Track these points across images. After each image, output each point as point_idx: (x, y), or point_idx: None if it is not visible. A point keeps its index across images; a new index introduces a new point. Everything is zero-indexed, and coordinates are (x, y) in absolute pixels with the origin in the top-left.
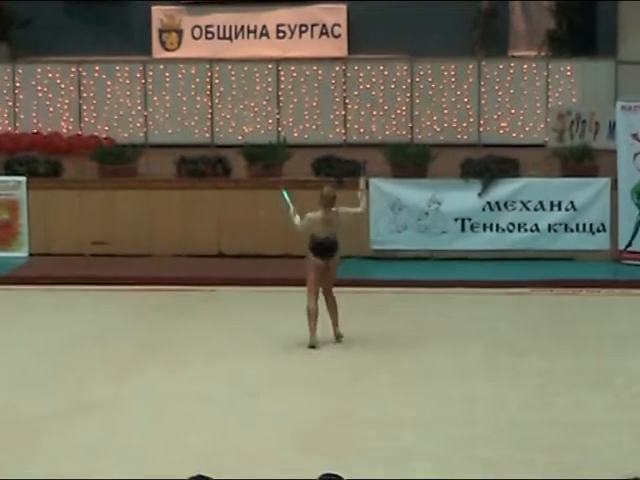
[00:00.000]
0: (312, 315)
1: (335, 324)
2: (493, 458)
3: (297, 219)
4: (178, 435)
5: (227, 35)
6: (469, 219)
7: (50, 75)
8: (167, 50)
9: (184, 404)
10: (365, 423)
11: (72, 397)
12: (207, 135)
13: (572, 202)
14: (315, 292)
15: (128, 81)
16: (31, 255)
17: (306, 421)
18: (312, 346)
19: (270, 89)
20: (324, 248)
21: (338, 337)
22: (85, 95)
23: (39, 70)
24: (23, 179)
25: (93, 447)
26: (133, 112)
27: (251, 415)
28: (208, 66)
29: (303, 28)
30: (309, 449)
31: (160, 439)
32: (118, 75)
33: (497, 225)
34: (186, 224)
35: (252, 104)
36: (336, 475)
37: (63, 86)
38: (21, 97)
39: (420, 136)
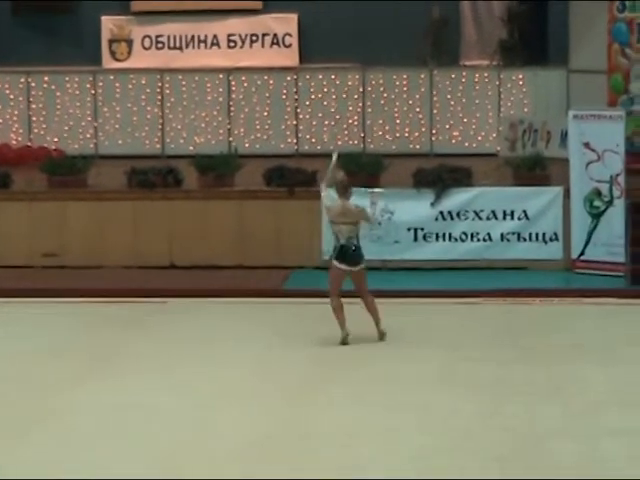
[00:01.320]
0: (336, 311)
1: (376, 323)
2: (449, 468)
3: (325, 191)
4: (129, 447)
5: (177, 45)
6: (422, 229)
7: None
8: (117, 60)
9: (136, 416)
10: (320, 433)
11: (21, 409)
12: (158, 146)
13: (525, 211)
14: (333, 290)
15: (78, 92)
16: None
17: (260, 432)
18: (343, 342)
19: (221, 99)
20: (347, 256)
21: (381, 335)
22: (34, 106)
23: None
24: None
25: (41, 460)
26: (83, 123)
27: (204, 426)
28: (159, 76)
29: (254, 38)
30: (263, 460)
31: (111, 451)
32: (68, 86)
33: (450, 235)
34: (137, 235)
35: (203, 114)
36: None
37: (12, 97)
38: None
39: (372, 146)
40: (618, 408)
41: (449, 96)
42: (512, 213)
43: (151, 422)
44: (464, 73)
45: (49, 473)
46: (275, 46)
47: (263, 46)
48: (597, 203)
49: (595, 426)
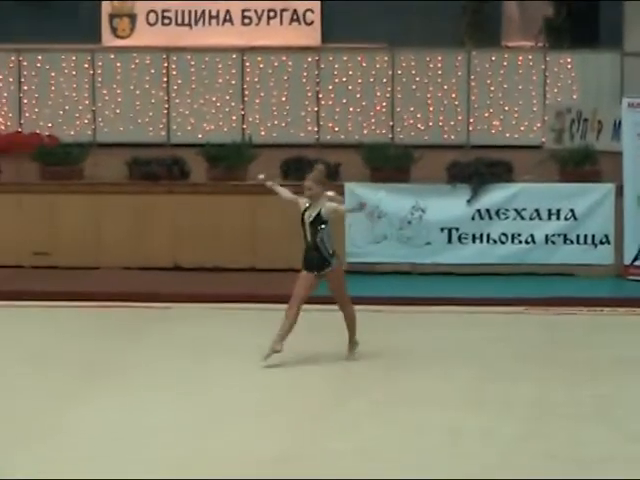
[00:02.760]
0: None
1: (350, 338)
2: None
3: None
4: (128, 471)
5: (186, 21)
6: (456, 229)
7: None
8: (118, 37)
9: (136, 436)
10: (339, 455)
11: (8, 427)
12: (163, 133)
13: (572, 210)
14: (294, 301)
15: (74, 72)
16: None
17: (274, 452)
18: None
19: (234, 82)
20: (304, 260)
21: (350, 352)
22: (26, 88)
23: None
24: None
25: None
26: (80, 107)
27: (213, 446)
28: (164, 56)
29: (271, 14)
30: None
31: (110, 473)
32: (63, 65)
33: (488, 236)
34: (138, 233)
35: (213, 99)
36: None
37: (1, 77)
38: None
39: (402, 136)
40: None
41: (489, 81)
42: (558, 212)
43: (149, 443)
44: (506, 55)
45: None
46: (295, 23)
47: (281, 23)
48: None
49: None
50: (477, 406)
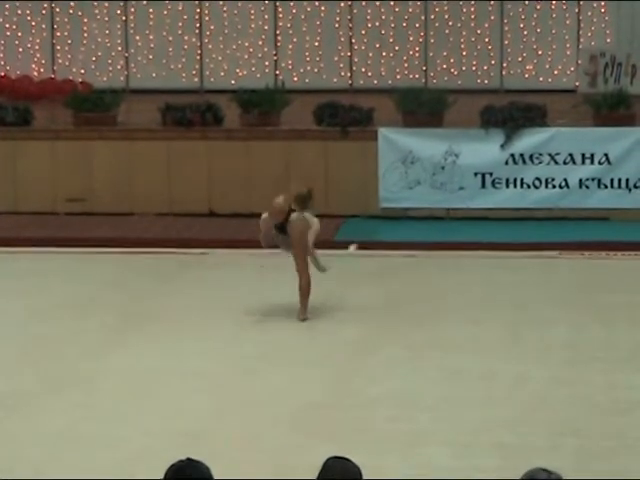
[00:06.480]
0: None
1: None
2: (516, 443)
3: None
4: (164, 416)
5: None
6: (490, 174)
7: (19, 12)
8: None
9: (171, 382)
10: (373, 403)
11: (44, 373)
12: (196, 79)
13: (606, 155)
14: None
15: (107, 18)
16: None
17: (308, 400)
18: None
19: (267, 27)
20: None
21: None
22: (59, 34)
23: (7, 6)
24: None
25: (66, 429)
26: (112, 53)
27: (246, 394)
28: (197, 1)
29: None
30: (311, 432)
31: (144, 420)
32: (96, 12)
33: (521, 180)
34: (172, 179)
35: (246, 44)
36: (344, 458)
37: (34, 24)
38: None
39: (435, 80)
40: None
41: (522, 25)
42: (592, 157)
43: (188, 389)
44: None
45: (72, 446)
46: None
47: None
48: None
49: None
50: (512, 350)
